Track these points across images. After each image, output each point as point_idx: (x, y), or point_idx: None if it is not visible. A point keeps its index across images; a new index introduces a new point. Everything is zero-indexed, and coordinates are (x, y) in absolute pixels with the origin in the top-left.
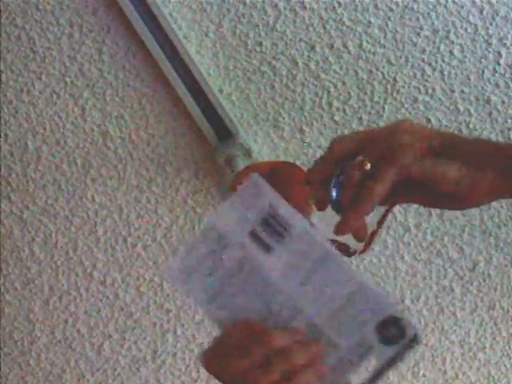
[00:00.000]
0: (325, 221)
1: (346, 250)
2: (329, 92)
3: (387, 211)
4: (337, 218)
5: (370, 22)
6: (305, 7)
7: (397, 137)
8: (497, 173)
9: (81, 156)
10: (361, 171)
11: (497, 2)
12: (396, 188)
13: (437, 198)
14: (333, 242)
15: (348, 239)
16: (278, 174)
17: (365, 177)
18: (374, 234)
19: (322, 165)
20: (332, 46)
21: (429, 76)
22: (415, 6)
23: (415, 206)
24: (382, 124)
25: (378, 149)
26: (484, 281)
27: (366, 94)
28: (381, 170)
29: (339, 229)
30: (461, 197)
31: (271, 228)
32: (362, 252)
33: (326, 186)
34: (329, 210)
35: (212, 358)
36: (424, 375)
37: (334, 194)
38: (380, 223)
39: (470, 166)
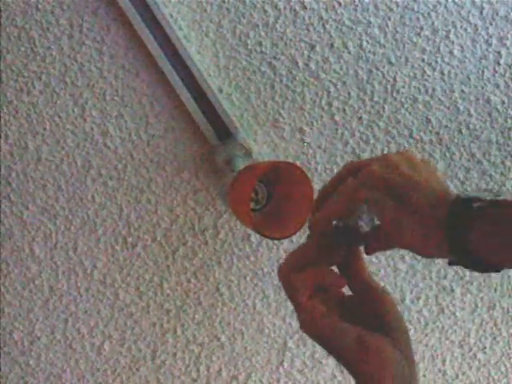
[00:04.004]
0: None
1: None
2: (329, 92)
3: None
4: None
5: (369, 22)
6: (305, 7)
7: None
8: None
9: (81, 156)
10: None
11: (497, 2)
12: None
13: None
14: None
15: None
16: (278, 174)
17: None
18: None
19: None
20: (332, 46)
21: (429, 76)
22: (415, 6)
23: None
24: (381, 124)
25: None
26: (484, 281)
27: (366, 93)
28: None
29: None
30: None
31: None
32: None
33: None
34: None
35: None
36: (424, 375)
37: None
38: None
39: None
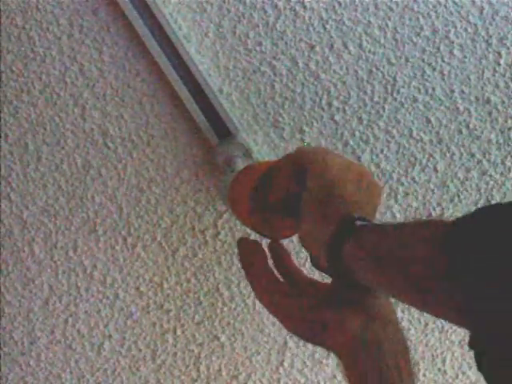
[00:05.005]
0: None
1: None
2: (329, 92)
3: None
4: None
5: (369, 21)
6: (305, 7)
7: None
8: None
9: (81, 156)
10: None
11: (497, 2)
12: None
13: None
14: None
15: None
16: None
17: None
18: None
19: None
20: (332, 46)
21: (429, 76)
22: (415, 6)
23: (415, 205)
24: (381, 124)
25: None
26: None
27: (366, 93)
28: None
29: None
30: None
31: None
32: None
33: None
34: None
35: None
36: (424, 375)
37: None
38: None
39: None
